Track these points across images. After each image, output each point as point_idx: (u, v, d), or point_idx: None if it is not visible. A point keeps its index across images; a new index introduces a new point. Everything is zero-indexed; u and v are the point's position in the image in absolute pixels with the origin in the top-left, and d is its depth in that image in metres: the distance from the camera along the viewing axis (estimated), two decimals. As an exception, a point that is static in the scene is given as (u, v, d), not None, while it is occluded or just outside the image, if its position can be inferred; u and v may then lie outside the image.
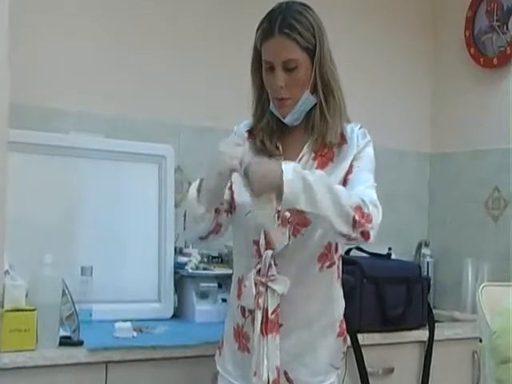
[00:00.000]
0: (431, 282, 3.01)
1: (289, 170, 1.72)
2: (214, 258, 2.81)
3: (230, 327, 1.99)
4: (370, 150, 1.95)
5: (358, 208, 1.76)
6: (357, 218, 1.75)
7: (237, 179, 1.94)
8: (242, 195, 1.89)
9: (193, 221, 1.91)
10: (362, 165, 1.91)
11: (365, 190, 1.84)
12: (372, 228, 1.77)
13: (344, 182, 1.89)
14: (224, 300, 2.59)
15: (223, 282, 2.66)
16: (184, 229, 2.00)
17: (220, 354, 2.04)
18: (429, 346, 2.69)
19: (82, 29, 2.81)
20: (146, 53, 2.94)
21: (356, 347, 2.49)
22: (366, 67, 3.44)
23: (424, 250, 3.50)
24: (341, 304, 2.00)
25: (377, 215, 1.79)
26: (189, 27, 3.03)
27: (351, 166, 1.91)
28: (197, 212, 1.87)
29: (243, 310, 1.93)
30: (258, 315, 1.84)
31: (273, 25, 1.86)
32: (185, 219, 1.96)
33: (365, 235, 1.78)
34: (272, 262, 1.85)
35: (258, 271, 1.86)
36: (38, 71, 2.71)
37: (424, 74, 3.67)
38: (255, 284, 1.85)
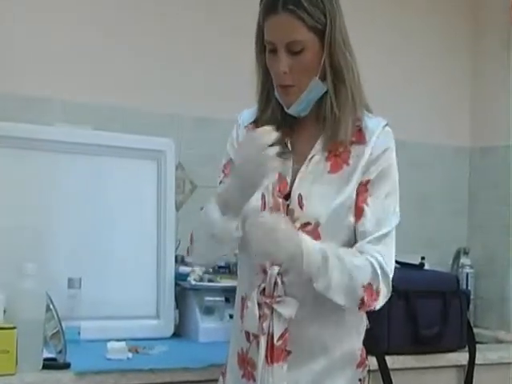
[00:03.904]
0: (471, 297, 3.00)
1: (307, 240, 1.77)
2: (220, 268, 2.82)
3: (234, 352, 1.98)
4: (390, 164, 1.90)
5: (369, 287, 1.80)
6: (365, 299, 1.81)
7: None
8: None
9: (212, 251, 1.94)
10: (380, 192, 1.88)
11: (380, 245, 1.84)
12: (378, 304, 1.84)
13: (356, 208, 1.87)
14: (232, 317, 2.59)
15: (231, 295, 2.63)
16: (189, 253, 2.00)
17: (224, 381, 2.03)
18: (469, 371, 2.68)
19: (68, 7, 2.82)
20: (142, 35, 2.95)
21: (384, 371, 2.48)
22: (393, 50, 3.45)
23: (463, 260, 3.49)
24: (361, 331, 1.98)
25: (386, 291, 1.84)
26: (189, 13, 3.04)
27: (365, 189, 1.87)
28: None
29: (248, 333, 1.91)
30: (262, 341, 1.83)
31: None
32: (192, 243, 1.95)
33: (369, 309, 1.86)
34: (279, 281, 1.85)
35: (263, 290, 1.85)
36: (16, 54, 2.73)
37: (462, 56, 3.66)
38: (259, 305, 1.84)
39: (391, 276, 1.85)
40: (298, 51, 1.83)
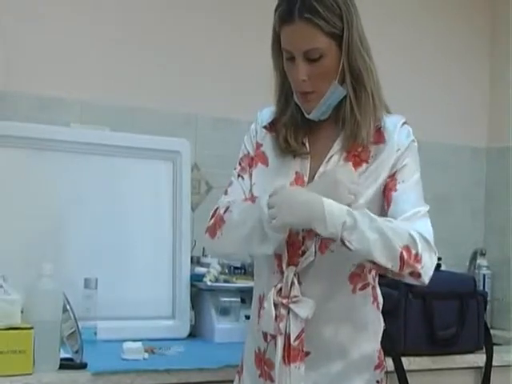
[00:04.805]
0: (488, 298, 2.99)
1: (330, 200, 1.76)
2: (236, 268, 2.82)
3: (251, 351, 1.98)
4: (415, 156, 1.92)
5: (406, 247, 1.76)
6: (405, 256, 1.75)
7: (259, 180, 1.95)
8: None
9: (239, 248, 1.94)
10: (407, 178, 1.89)
11: (415, 221, 1.82)
12: (423, 268, 1.77)
13: (385, 198, 1.88)
14: (248, 317, 2.59)
15: (247, 296, 2.64)
16: (212, 235, 1.95)
17: (239, 380, 2.03)
18: (486, 373, 2.67)
19: (86, 7, 2.84)
20: (158, 36, 2.96)
21: (400, 373, 2.47)
22: (411, 50, 3.44)
23: (480, 261, 3.48)
24: (379, 333, 1.98)
25: (428, 258, 1.78)
26: (205, 13, 3.05)
27: (393, 178, 1.88)
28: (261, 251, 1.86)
29: (265, 332, 1.91)
30: (279, 341, 1.84)
31: (292, 7, 1.82)
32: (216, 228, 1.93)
33: (415, 275, 1.78)
34: (295, 281, 1.85)
35: (279, 291, 1.85)
36: (32, 53, 2.74)
37: (480, 56, 3.65)
38: (275, 305, 1.84)
39: (433, 244, 1.80)
40: (316, 58, 1.84)
